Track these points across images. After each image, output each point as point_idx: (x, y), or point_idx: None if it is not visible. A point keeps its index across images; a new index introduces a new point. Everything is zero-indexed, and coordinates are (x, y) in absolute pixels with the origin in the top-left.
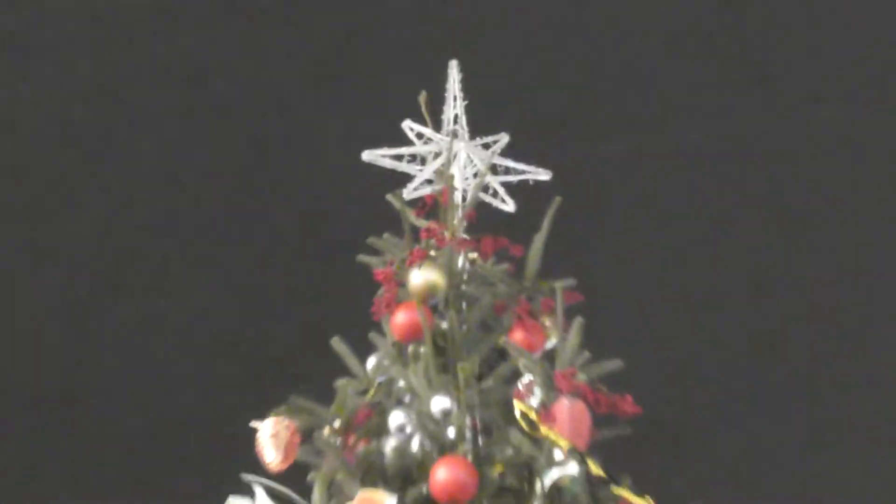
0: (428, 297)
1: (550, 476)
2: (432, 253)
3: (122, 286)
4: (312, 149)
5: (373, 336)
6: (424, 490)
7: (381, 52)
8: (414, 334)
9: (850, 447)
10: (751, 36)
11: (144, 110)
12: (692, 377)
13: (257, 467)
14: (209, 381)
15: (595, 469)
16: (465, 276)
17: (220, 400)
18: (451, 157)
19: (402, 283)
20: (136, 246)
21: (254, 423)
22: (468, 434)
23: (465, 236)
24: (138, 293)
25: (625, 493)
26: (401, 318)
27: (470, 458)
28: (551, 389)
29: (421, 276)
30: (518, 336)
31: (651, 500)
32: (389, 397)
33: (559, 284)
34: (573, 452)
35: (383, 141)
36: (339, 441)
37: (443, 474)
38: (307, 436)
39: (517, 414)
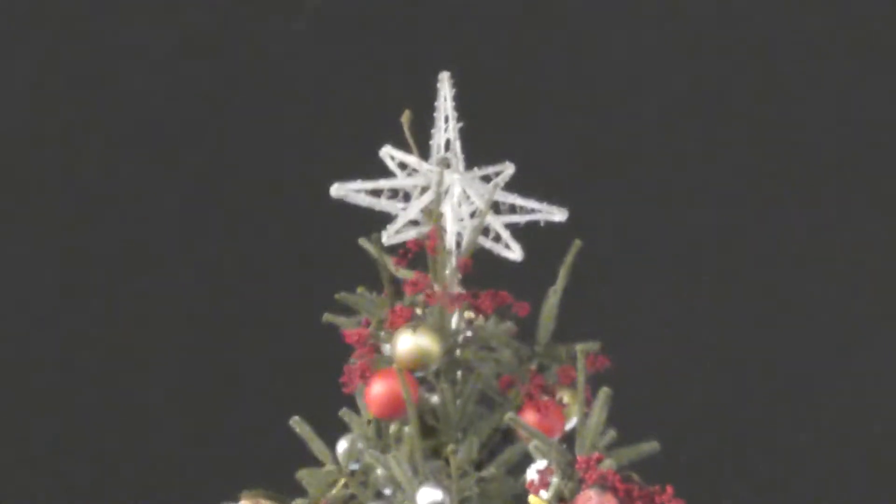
0: (418, 368)
1: None
2: (419, 311)
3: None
4: (264, 183)
5: (344, 413)
6: None
7: (355, 62)
8: (397, 409)
9: None
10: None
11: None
12: (746, 461)
13: None
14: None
15: None
16: (460, 340)
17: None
18: (441, 193)
19: (379, 349)
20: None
21: None
22: None
23: (458, 290)
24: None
25: None
26: (379, 389)
27: None
28: (571, 479)
29: (411, 341)
30: (528, 418)
31: None
32: (365, 489)
33: (581, 347)
34: None
35: (357, 172)
36: None
37: None
38: None
39: None
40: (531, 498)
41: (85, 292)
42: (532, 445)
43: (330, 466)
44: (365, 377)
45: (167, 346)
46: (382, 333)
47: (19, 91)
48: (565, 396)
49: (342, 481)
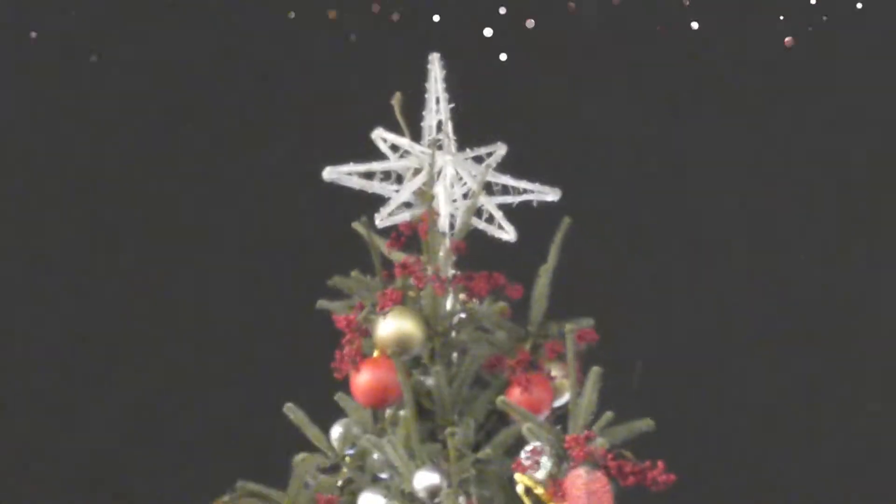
0: (401, 352)
1: None
2: (411, 294)
3: None
4: (257, 165)
5: (339, 397)
6: None
7: (343, 46)
8: (383, 398)
9: None
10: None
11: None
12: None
13: None
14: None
15: None
16: (455, 321)
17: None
18: (434, 174)
19: (369, 333)
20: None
21: None
22: None
23: (453, 272)
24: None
25: None
26: (365, 378)
27: None
28: (564, 458)
29: (391, 326)
30: (516, 394)
31: None
32: (362, 473)
33: (570, 326)
34: None
35: (349, 155)
36: None
37: None
38: None
39: (519, 490)
40: (517, 476)
41: (80, 286)
42: (525, 427)
43: (300, 455)
44: (355, 363)
45: (162, 335)
46: (371, 319)
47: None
48: (553, 370)
49: (344, 470)
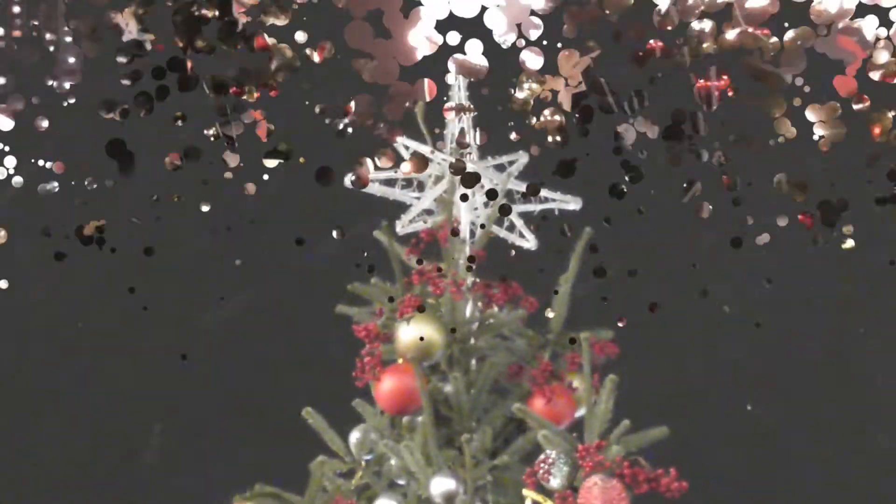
0: (422, 358)
1: None
2: (430, 301)
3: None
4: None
5: (357, 404)
6: None
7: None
8: (408, 405)
9: None
10: None
11: None
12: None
13: None
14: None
15: None
16: (474, 328)
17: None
18: (455, 182)
19: (390, 340)
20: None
21: None
22: None
23: (472, 280)
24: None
25: None
26: (389, 386)
27: None
28: (578, 467)
29: (411, 332)
30: (538, 405)
31: None
32: (379, 479)
33: (586, 335)
34: None
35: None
36: None
37: None
38: None
39: None
40: (524, 492)
41: (92, 290)
42: (541, 435)
43: (319, 458)
44: (375, 373)
45: (184, 339)
46: (391, 326)
47: None
48: (575, 381)
49: (359, 473)
